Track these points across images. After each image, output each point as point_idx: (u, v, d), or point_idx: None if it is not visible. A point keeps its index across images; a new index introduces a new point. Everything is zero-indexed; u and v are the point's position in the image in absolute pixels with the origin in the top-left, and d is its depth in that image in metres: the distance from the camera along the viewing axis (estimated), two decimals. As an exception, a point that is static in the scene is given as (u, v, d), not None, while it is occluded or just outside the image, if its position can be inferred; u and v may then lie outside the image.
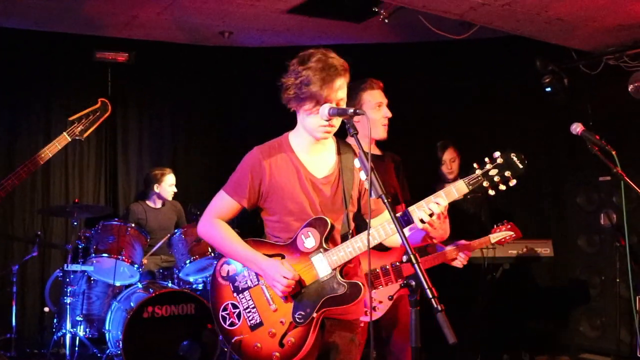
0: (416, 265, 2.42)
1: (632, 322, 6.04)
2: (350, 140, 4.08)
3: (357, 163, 2.73)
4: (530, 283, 7.37)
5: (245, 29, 7.12)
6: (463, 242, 4.24)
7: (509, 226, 4.35)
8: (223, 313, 3.08)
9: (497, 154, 2.85)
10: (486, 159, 2.86)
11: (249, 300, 3.04)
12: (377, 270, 3.95)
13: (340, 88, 2.90)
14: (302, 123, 3.02)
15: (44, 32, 7.10)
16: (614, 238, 6.26)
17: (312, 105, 2.88)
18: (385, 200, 2.57)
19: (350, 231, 3.07)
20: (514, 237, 4.35)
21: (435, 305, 2.33)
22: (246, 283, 3.06)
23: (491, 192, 2.84)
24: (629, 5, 5.57)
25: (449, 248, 4.22)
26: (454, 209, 3.61)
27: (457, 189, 2.84)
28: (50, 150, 4.26)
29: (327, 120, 2.89)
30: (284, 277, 2.88)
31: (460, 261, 4.22)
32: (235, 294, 3.07)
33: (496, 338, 6.50)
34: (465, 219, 6.09)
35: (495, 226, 4.39)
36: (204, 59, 7.93)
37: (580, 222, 6.82)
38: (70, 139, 4.31)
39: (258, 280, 3.04)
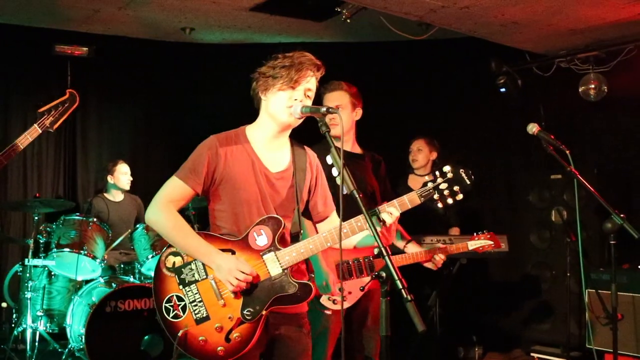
0: (387, 257, 2.52)
1: (582, 315, 6.23)
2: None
3: (329, 159, 2.80)
4: (483, 278, 7.55)
5: (207, 26, 7.15)
6: (440, 245, 4.31)
7: (489, 236, 4.34)
8: (167, 305, 3.00)
9: (447, 168, 2.97)
10: (437, 173, 2.98)
11: (195, 293, 2.98)
12: (350, 262, 4.01)
13: (310, 77, 2.99)
14: (266, 110, 3.03)
15: (2, 25, 7.02)
16: (565, 234, 6.42)
17: (282, 83, 2.94)
18: (357, 196, 2.66)
19: (301, 231, 3.12)
20: (493, 246, 4.34)
21: (405, 295, 2.44)
22: (193, 276, 2.99)
23: (439, 205, 2.98)
24: (581, 10, 5.77)
25: (424, 249, 4.26)
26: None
27: (410, 201, 2.96)
28: (22, 142, 4.19)
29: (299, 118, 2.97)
30: (242, 272, 2.87)
31: (434, 263, 4.27)
32: (180, 287, 2.99)
33: (450, 332, 6.64)
34: (426, 213, 6.18)
35: (474, 234, 4.39)
36: (164, 54, 7.92)
37: (532, 218, 6.99)
38: (41, 131, 4.23)
39: (206, 274, 2.97)
